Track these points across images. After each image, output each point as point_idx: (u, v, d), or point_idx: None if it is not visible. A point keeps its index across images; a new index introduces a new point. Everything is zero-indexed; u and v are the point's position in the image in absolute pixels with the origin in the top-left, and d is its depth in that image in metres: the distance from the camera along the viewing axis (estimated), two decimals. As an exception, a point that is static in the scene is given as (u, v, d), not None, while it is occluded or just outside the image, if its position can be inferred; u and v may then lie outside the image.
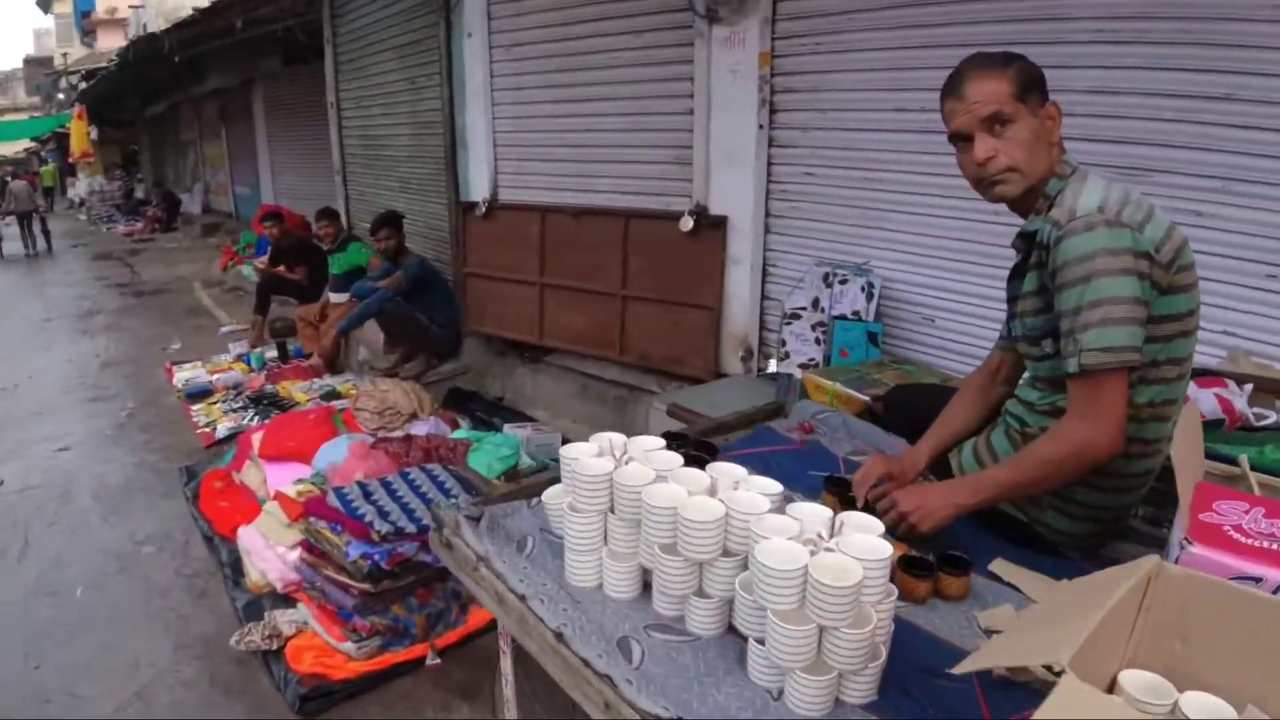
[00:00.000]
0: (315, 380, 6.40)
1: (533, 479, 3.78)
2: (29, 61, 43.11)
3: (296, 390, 6.12)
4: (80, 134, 21.41)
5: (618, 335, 5.17)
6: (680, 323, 4.93)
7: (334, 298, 6.88)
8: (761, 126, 4.18)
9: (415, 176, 6.55)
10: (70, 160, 26.79)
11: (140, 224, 19.16)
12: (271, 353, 7.13)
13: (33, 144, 37.90)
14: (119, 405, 6.24)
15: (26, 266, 14.83)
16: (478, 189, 5.79)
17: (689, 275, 4.81)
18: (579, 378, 5.52)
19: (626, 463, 1.86)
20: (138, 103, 21.70)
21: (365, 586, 3.08)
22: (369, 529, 3.15)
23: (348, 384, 6.28)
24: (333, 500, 3.43)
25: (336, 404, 5.18)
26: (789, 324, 3.97)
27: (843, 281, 3.83)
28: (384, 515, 3.26)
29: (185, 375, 6.70)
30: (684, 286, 4.85)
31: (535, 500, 2.15)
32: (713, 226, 4.54)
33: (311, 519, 3.44)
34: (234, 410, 5.81)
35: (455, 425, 5.12)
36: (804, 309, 3.92)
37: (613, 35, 4.97)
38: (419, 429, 4.89)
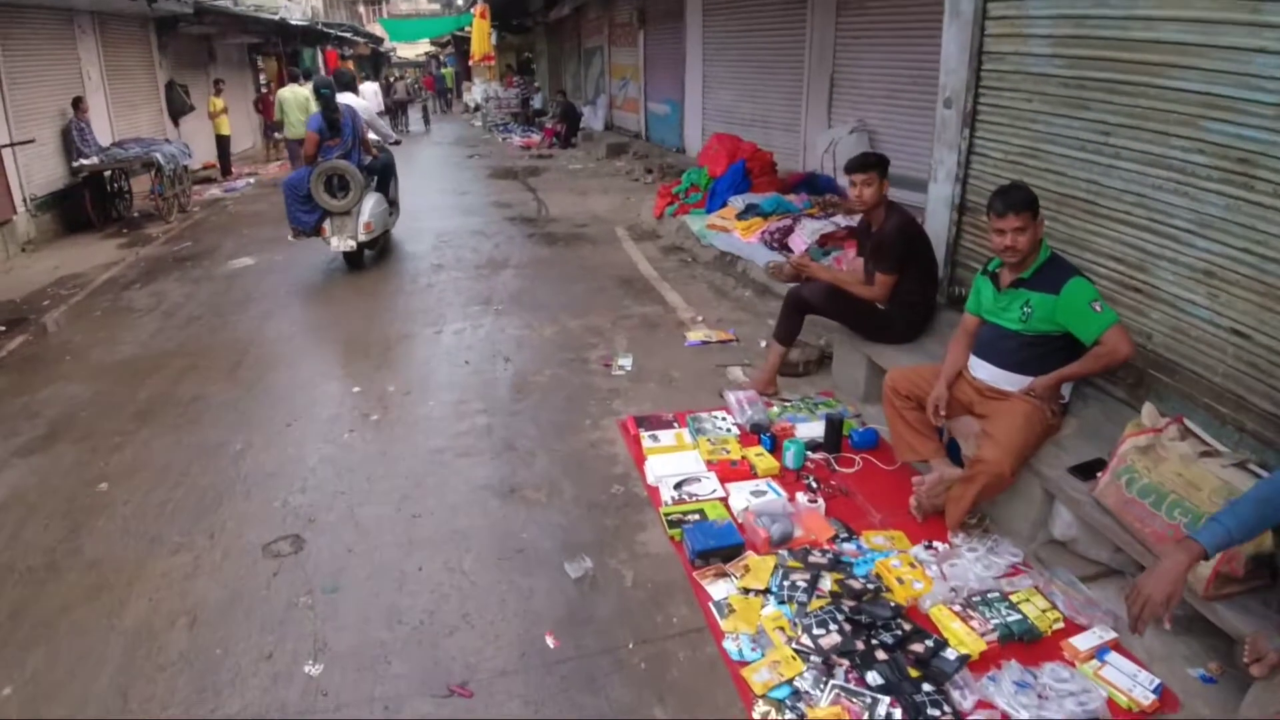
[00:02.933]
0: (945, 555, 2.88)
1: None
2: (429, -32, 44.96)
3: (935, 602, 2.63)
4: (482, 34, 20.13)
5: None
6: None
7: (981, 370, 3.16)
8: None
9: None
10: (470, 63, 26.50)
11: (538, 137, 17.32)
12: (811, 429, 3.70)
13: (432, 47, 39.41)
14: (557, 534, 3.16)
15: (423, 172, 13.17)
16: None
17: None
18: None
19: None
20: (541, 3, 19.93)
21: None
22: None
23: (1034, 594, 2.66)
24: None
25: None
26: None
27: None
28: None
29: (667, 471, 3.48)
30: None
31: None
32: None
33: None
34: (819, 654, 2.42)
35: None
36: None
37: None
38: None
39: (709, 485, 3.34)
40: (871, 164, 3.78)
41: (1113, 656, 2.54)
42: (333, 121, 6.36)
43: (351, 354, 5.15)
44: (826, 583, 2.74)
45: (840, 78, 7.98)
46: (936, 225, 4.15)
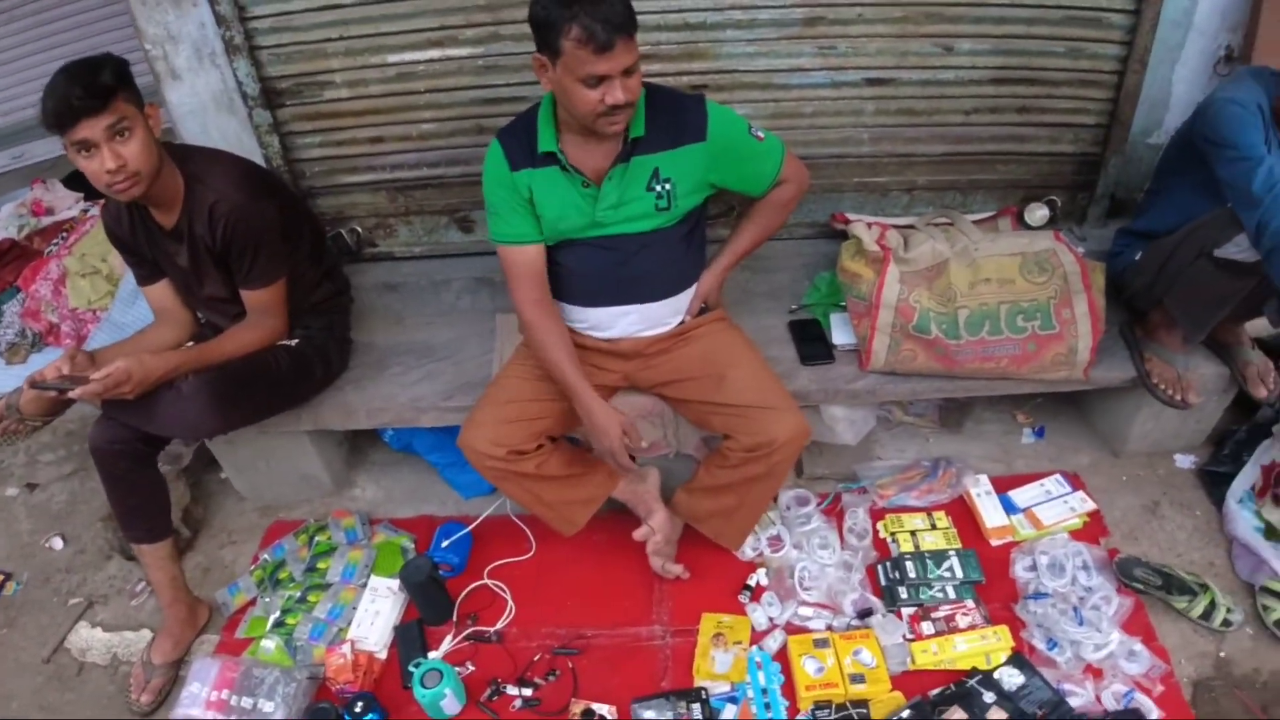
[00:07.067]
0: (777, 579, 2.09)
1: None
2: None
3: (902, 655, 1.83)
4: None
5: None
6: None
7: (620, 321, 1.83)
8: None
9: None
10: None
11: None
12: (374, 623, 2.00)
13: None
14: None
15: None
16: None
17: None
18: None
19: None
20: None
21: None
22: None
23: None
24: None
25: None
26: None
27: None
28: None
29: None
30: None
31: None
32: None
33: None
34: None
35: None
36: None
37: None
38: None
39: None
40: (77, 104, 1.47)
41: (1016, 496, 2.07)
42: None
43: None
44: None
45: None
46: (234, 149, 2.13)
